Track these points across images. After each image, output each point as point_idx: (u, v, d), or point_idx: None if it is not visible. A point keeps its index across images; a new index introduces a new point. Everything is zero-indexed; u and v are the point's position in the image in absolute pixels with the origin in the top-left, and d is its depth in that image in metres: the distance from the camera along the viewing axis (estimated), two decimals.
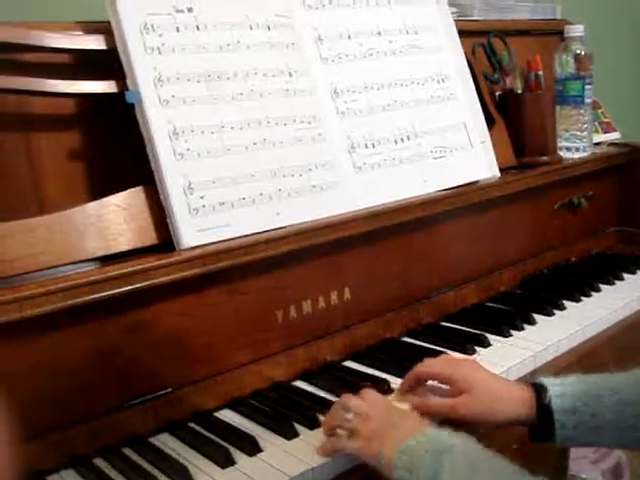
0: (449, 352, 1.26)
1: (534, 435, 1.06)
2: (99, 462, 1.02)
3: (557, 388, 1.04)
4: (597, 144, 1.93)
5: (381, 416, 0.98)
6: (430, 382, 1.14)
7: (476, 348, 1.30)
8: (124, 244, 1.09)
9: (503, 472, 0.85)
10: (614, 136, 2.04)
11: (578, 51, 1.76)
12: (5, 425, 0.67)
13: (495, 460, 0.87)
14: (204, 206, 1.12)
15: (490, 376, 1.10)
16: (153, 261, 1.05)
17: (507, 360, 1.25)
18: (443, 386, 1.11)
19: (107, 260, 1.06)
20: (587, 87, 1.77)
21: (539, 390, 1.05)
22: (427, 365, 1.13)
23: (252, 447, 1.01)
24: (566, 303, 1.50)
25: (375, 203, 1.32)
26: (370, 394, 1.04)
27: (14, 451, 0.65)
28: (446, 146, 1.47)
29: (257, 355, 1.20)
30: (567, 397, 1.03)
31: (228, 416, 1.13)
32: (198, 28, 1.18)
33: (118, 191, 1.09)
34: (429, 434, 0.92)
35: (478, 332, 1.35)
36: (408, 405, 1.10)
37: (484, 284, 1.58)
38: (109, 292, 1.00)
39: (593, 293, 1.57)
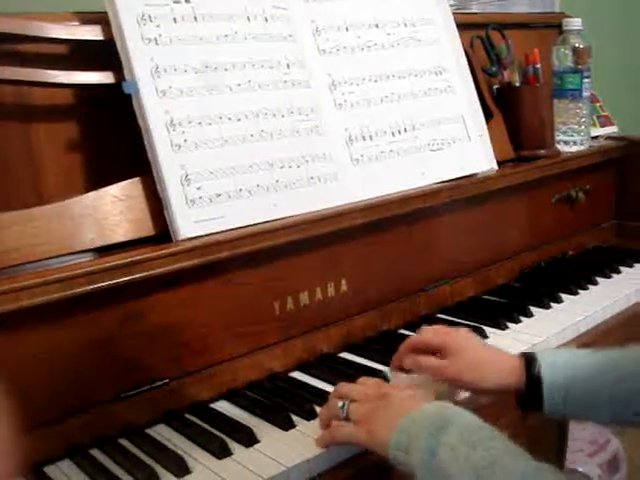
0: None
1: (522, 402, 1.06)
2: (96, 453, 1.02)
3: (548, 359, 1.04)
4: (595, 138, 1.94)
5: (375, 398, 0.97)
6: None
7: None
8: (121, 235, 1.09)
9: (503, 453, 0.84)
10: (612, 130, 2.04)
11: (576, 44, 1.76)
12: (5, 415, 0.67)
13: (494, 438, 0.86)
14: (201, 197, 1.12)
15: (481, 344, 1.11)
16: (150, 252, 1.05)
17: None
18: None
19: (104, 251, 1.07)
20: (585, 80, 1.77)
21: (529, 360, 1.05)
22: (419, 334, 1.13)
23: (249, 438, 1.01)
24: (563, 296, 1.50)
25: (372, 195, 1.32)
26: (365, 379, 1.04)
27: (14, 441, 0.66)
28: (444, 138, 1.47)
29: (254, 346, 1.20)
30: (558, 369, 1.03)
31: (225, 407, 1.14)
32: (196, 19, 1.18)
33: (115, 182, 1.10)
34: (425, 411, 0.91)
35: (475, 324, 1.35)
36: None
37: (481, 277, 1.58)
38: (106, 283, 1.00)
39: (590, 286, 1.57)
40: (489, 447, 0.84)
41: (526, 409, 1.07)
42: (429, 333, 1.14)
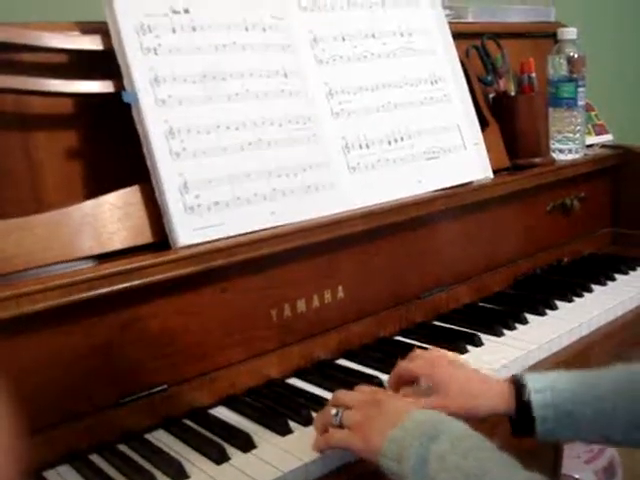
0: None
1: (515, 429, 1.07)
2: (95, 458, 1.03)
3: (537, 384, 1.05)
4: (590, 146, 1.95)
5: (369, 405, 0.98)
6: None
7: (468, 347, 1.32)
8: (120, 242, 1.10)
9: (494, 463, 0.84)
10: (607, 138, 2.05)
11: (571, 54, 1.77)
12: (6, 420, 0.67)
13: (486, 448, 0.87)
14: (199, 205, 1.13)
15: (468, 374, 1.10)
16: (149, 259, 1.06)
17: (499, 359, 1.26)
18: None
19: (103, 258, 1.08)
20: (580, 89, 1.78)
21: (519, 386, 1.05)
22: (407, 365, 1.12)
23: (246, 443, 1.02)
24: (558, 303, 1.51)
25: (369, 203, 1.33)
26: (362, 387, 1.05)
27: (16, 446, 0.66)
28: (440, 147, 1.48)
29: (251, 353, 1.21)
30: (546, 392, 1.04)
31: (223, 413, 1.14)
32: (194, 29, 1.19)
33: (114, 190, 1.11)
34: (416, 419, 0.92)
35: (470, 331, 1.37)
36: None
37: (477, 284, 1.59)
38: (105, 290, 1.01)
39: (585, 293, 1.58)
40: (480, 457, 0.84)
41: (520, 435, 1.07)
42: (416, 363, 1.12)
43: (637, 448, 1.06)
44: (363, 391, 1.03)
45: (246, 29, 1.25)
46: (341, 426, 0.97)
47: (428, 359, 1.13)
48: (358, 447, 0.94)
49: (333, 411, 0.99)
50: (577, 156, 1.81)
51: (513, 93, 1.73)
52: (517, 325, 1.41)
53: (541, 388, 1.04)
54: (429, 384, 1.09)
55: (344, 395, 1.02)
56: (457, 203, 1.47)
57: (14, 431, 0.67)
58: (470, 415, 1.05)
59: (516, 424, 1.06)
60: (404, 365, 1.12)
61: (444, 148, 1.49)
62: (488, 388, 1.08)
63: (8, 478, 0.65)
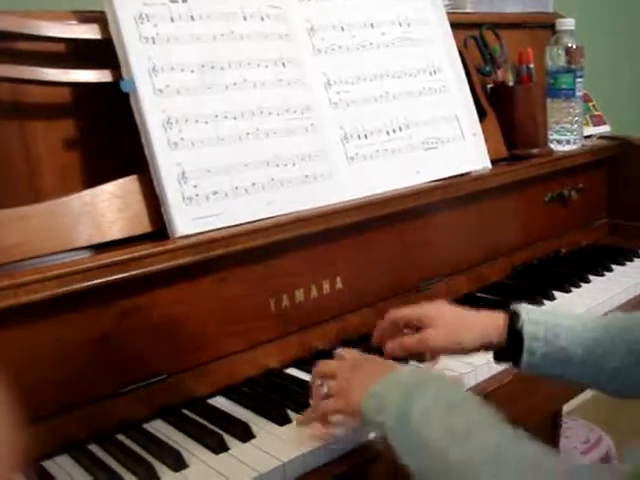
0: None
1: (499, 356, 1.08)
2: (93, 448, 1.03)
3: (533, 315, 1.05)
4: (588, 137, 1.95)
5: (349, 369, 0.99)
6: None
7: None
8: (118, 232, 1.10)
9: (481, 419, 0.83)
10: (604, 129, 2.05)
11: (569, 44, 1.77)
12: (5, 411, 0.67)
13: (470, 402, 0.86)
14: (197, 195, 1.13)
15: (460, 309, 1.12)
16: (147, 249, 1.06)
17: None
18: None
19: (101, 248, 1.07)
20: (578, 80, 1.78)
21: (513, 315, 1.06)
22: (395, 309, 1.14)
23: (245, 433, 1.02)
24: (556, 293, 1.52)
25: (367, 193, 1.33)
26: (341, 351, 1.07)
27: (17, 436, 0.66)
28: (438, 137, 1.48)
29: (250, 343, 1.21)
30: (540, 325, 1.04)
31: (221, 403, 1.15)
32: (192, 18, 1.19)
33: (113, 180, 1.10)
34: (398, 374, 0.92)
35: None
36: None
37: (475, 274, 1.59)
38: (103, 279, 1.01)
39: (582, 284, 1.58)
40: (465, 412, 0.84)
41: (501, 361, 1.09)
42: (407, 308, 1.14)
43: (616, 397, 1.06)
44: (343, 355, 1.05)
45: (244, 18, 1.25)
46: (329, 396, 0.99)
47: (417, 304, 1.15)
48: (342, 407, 0.96)
49: (318, 382, 1.01)
50: (575, 147, 1.80)
51: (511, 83, 1.73)
52: None
53: (536, 320, 1.05)
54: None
55: (325, 366, 1.04)
56: (455, 193, 1.47)
57: (14, 422, 0.66)
58: (463, 348, 1.08)
59: (502, 351, 1.07)
60: (392, 311, 1.14)
61: (442, 138, 1.49)
62: (481, 318, 1.09)
63: (9, 469, 0.65)
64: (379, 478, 1.02)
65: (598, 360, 1.02)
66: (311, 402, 1.05)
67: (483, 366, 1.20)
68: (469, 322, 1.08)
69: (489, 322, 1.08)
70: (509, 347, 1.05)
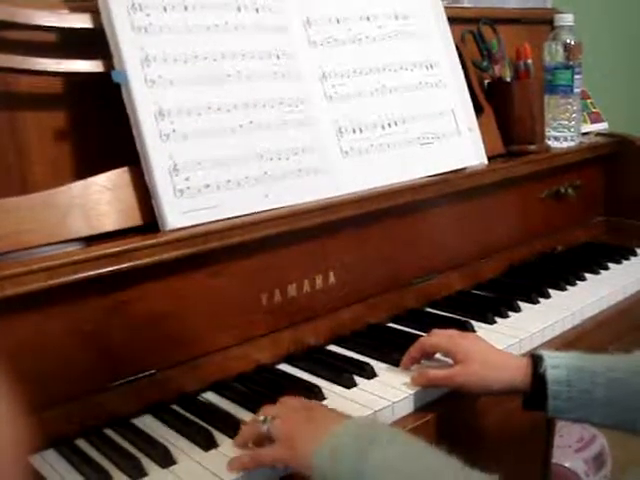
0: None
1: (527, 403, 1.08)
2: (80, 443, 1.02)
3: (554, 360, 1.06)
4: (585, 134, 1.94)
5: (298, 415, 0.93)
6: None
7: None
8: (109, 225, 1.09)
9: (440, 465, 0.82)
10: (602, 126, 2.05)
11: (568, 40, 1.76)
12: (5, 400, 0.66)
13: (429, 452, 0.84)
14: (189, 188, 1.12)
15: (489, 347, 1.13)
16: (137, 242, 1.04)
17: None
18: (443, 358, 1.16)
19: (91, 240, 1.06)
20: (576, 77, 1.77)
21: (536, 360, 1.07)
22: (430, 337, 1.16)
23: (235, 430, 1.01)
24: (551, 291, 1.51)
25: (362, 188, 1.32)
26: (287, 399, 1.00)
27: (19, 423, 0.65)
28: (434, 132, 1.47)
29: (241, 338, 1.20)
30: (562, 369, 1.05)
31: (211, 398, 1.14)
32: (186, 9, 1.17)
33: (104, 171, 1.09)
34: (351, 424, 0.88)
35: (462, 318, 1.36)
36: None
37: (470, 271, 1.58)
38: (92, 272, 1.00)
39: (578, 282, 1.58)
40: (424, 465, 0.82)
41: (531, 409, 1.08)
42: (439, 337, 1.15)
43: None
44: (290, 402, 0.99)
45: (238, 9, 1.23)
46: (269, 438, 0.92)
47: (449, 332, 1.16)
48: (287, 457, 0.90)
49: (262, 418, 0.94)
50: (572, 144, 1.80)
51: (509, 79, 1.72)
52: (510, 313, 1.41)
53: (558, 364, 1.05)
54: (446, 359, 1.14)
55: (270, 408, 0.97)
56: (451, 189, 1.46)
57: (17, 418, 0.66)
58: (487, 390, 1.08)
59: (529, 398, 1.07)
60: (425, 339, 1.15)
61: (438, 133, 1.47)
62: (507, 360, 1.10)
63: (13, 465, 0.64)
64: None
65: (623, 401, 1.02)
66: (240, 431, 0.99)
67: None
68: (497, 365, 1.09)
69: (513, 365, 1.09)
70: (534, 392, 1.06)
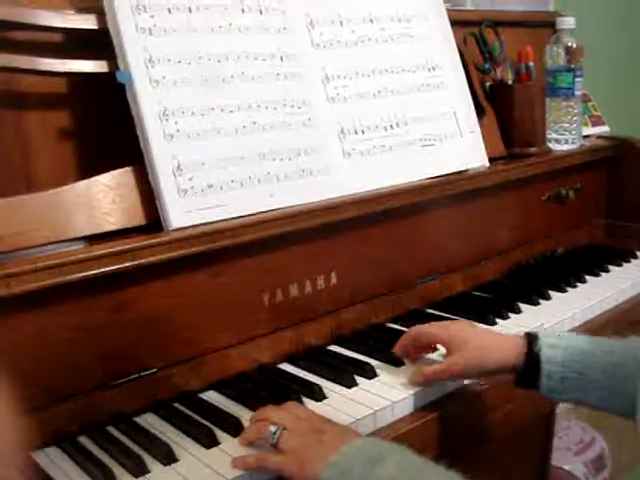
0: None
1: (520, 380, 1.09)
2: (83, 440, 1.02)
3: (550, 340, 1.06)
4: (586, 137, 1.94)
5: (310, 432, 0.93)
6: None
7: None
8: (112, 224, 1.09)
9: None
10: (603, 129, 2.05)
11: (569, 43, 1.77)
12: (5, 398, 0.67)
13: (434, 470, 0.84)
14: (193, 188, 1.13)
15: (483, 330, 1.15)
16: (141, 241, 1.05)
17: None
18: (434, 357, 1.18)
19: (95, 239, 1.07)
20: (577, 80, 1.77)
21: (532, 339, 1.07)
22: (423, 326, 1.17)
23: (236, 428, 1.02)
24: (552, 293, 1.51)
25: (363, 189, 1.33)
26: (293, 406, 1.01)
27: (18, 422, 0.66)
28: (436, 134, 1.47)
29: (243, 337, 1.20)
30: (558, 349, 1.05)
31: (213, 397, 1.14)
32: (190, 10, 1.18)
33: (107, 171, 1.10)
34: (358, 445, 0.88)
35: (463, 319, 1.36)
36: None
37: (470, 273, 1.58)
38: (96, 271, 1.00)
39: (579, 284, 1.58)
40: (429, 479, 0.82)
41: (523, 387, 1.09)
42: (432, 326, 1.16)
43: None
44: (299, 414, 0.98)
45: (242, 11, 1.24)
46: (274, 445, 0.93)
47: (442, 323, 1.18)
48: (293, 472, 0.90)
49: (272, 428, 0.93)
50: (573, 146, 1.80)
51: (510, 82, 1.72)
52: (510, 314, 1.41)
53: (553, 344, 1.06)
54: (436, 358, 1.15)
55: (279, 415, 0.97)
56: (452, 191, 1.47)
57: (15, 420, 0.66)
58: (483, 370, 1.08)
59: (522, 375, 1.08)
60: (418, 327, 1.16)
61: (440, 135, 1.48)
62: (502, 340, 1.11)
63: (11, 467, 0.64)
64: None
65: (619, 385, 1.02)
66: (246, 430, 1.00)
67: None
68: (493, 345, 1.10)
69: (508, 345, 1.09)
70: (527, 371, 1.06)
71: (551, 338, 1.07)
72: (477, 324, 1.18)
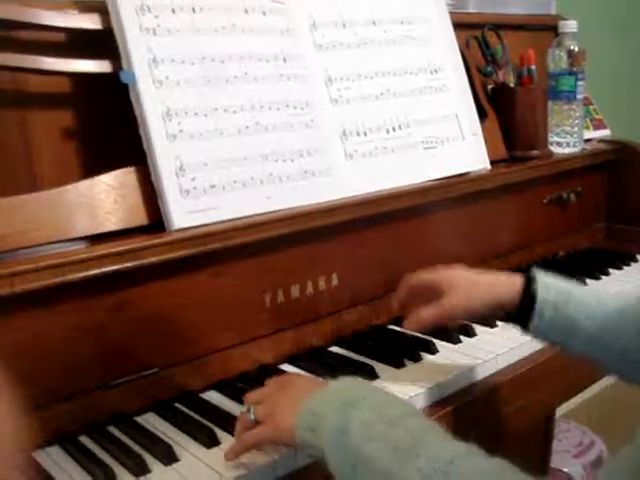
0: (435, 340, 1.28)
1: (509, 317, 1.10)
2: (85, 440, 1.03)
3: (546, 280, 1.07)
4: (587, 140, 1.95)
5: (275, 392, 0.94)
6: None
7: (462, 337, 1.31)
8: (114, 224, 1.10)
9: (425, 433, 0.78)
10: (605, 133, 2.05)
11: (571, 47, 1.77)
12: (6, 397, 0.67)
13: (414, 415, 0.81)
14: (195, 188, 1.13)
15: (475, 272, 1.13)
16: (143, 241, 1.05)
17: (493, 348, 1.26)
18: None
19: (98, 239, 1.07)
20: (579, 83, 1.78)
21: (528, 278, 1.07)
22: (414, 273, 1.16)
23: None
24: None
25: (365, 191, 1.33)
26: (269, 380, 1.01)
27: (19, 421, 0.66)
28: (437, 136, 1.47)
29: (244, 338, 1.20)
30: (551, 290, 1.05)
31: (214, 397, 1.14)
32: (194, 11, 1.18)
33: (110, 170, 1.10)
34: (333, 387, 0.87)
35: (464, 321, 1.36)
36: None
37: None
38: (98, 270, 1.01)
39: None
40: (409, 426, 0.78)
41: (511, 321, 1.10)
42: (423, 271, 1.16)
43: (620, 378, 1.07)
44: (269, 383, 0.99)
45: (246, 12, 1.24)
46: (257, 423, 0.93)
47: (433, 268, 1.16)
48: (272, 435, 0.89)
49: (244, 409, 0.95)
50: (575, 150, 1.80)
51: (512, 85, 1.72)
52: None
53: (549, 285, 1.06)
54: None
55: (253, 393, 0.99)
56: (454, 193, 1.47)
57: (17, 419, 0.66)
58: (473, 306, 1.09)
59: (513, 313, 1.08)
60: (409, 275, 1.16)
61: (442, 138, 1.48)
62: (496, 278, 1.11)
63: (12, 467, 0.64)
64: None
65: (607, 337, 1.02)
66: (235, 432, 0.98)
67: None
68: (484, 282, 1.10)
69: (504, 282, 1.09)
70: (521, 309, 1.06)
71: (549, 279, 1.07)
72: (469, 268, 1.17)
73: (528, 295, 1.06)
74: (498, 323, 1.36)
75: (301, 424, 0.84)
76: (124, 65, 1.12)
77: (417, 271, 1.18)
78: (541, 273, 1.08)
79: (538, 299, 1.05)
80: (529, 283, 1.07)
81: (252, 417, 0.93)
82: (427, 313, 1.11)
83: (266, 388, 0.99)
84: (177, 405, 1.11)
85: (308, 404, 0.85)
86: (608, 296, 1.09)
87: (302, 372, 1.21)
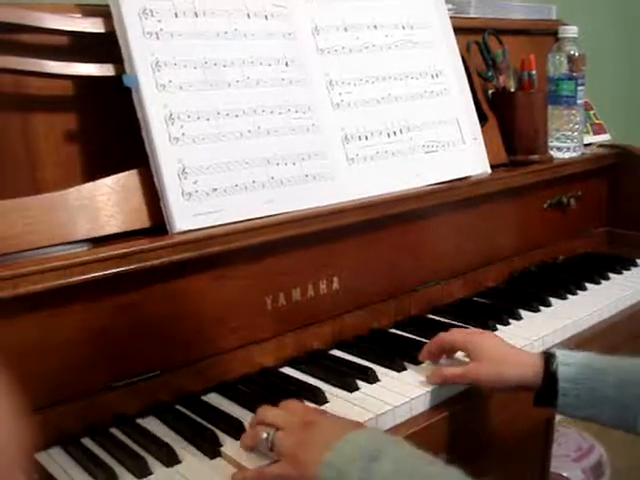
0: None
1: (538, 399, 1.10)
2: (87, 441, 1.03)
3: (565, 358, 1.08)
4: (588, 145, 1.95)
5: (301, 428, 0.92)
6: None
7: None
8: (117, 226, 1.10)
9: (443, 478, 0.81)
10: (605, 138, 2.06)
11: (572, 52, 1.77)
12: (7, 398, 0.67)
13: (432, 464, 0.83)
14: (197, 191, 1.13)
15: (503, 344, 1.16)
16: (145, 244, 1.06)
17: None
18: (458, 355, 1.20)
19: (100, 242, 1.07)
20: (579, 88, 1.78)
21: (549, 357, 1.09)
22: (448, 334, 1.19)
23: (239, 431, 1.02)
24: (552, 300, 1.52)
25: (366, 195, 1.33)
26: (287, 403, 1.00)
27: (20, 423, 0.66)
28: (438, 141, 1.48)
29: (246, 340, 1.21)
30: (572, 367, 1.07)
31: (216, 400, 1.14)
32: (196, 15, 1.19)
33: (113, 173, 1.10)
34: (354, 441, 0.87)
35: (465, 325, 1.36)
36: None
37: (472, 279, 1.59)
38: (101, 273, 1.01)
39: (579, 291, 1.58)
40: (428, 475, 0.81)
41: (541, 405, 1.10)
42: (457, 334, 1.19)
43: None
44: (293, 410, 0.98)
45: (248, 16, 1.25)
46: (271, 449, 0.93)
47: (466, 330, 1.22)
48: (293, 476, 0.89)
49: (264, 435, 0.93)
50: (575, 155, 1.81)
51: (513, 89, 1.73)
52: (511, 320, 1.42)
53: (568, 362, 1.08)
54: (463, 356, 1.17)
55: (272, 415, 0.97)
56: (454, 197, 1.47)
57: (19, 420, 0.66)
58: (500, 384, 1.11)
59: (540, 394, 1.09)
60: (444, 335, 1.18)
61: (443, 142, 1.49)
62: (520, 356, 1.13)
63: (15, 467, 0.65)
64: None
65: (630, 402, 1.04)
66: (243, 437, 0.99)
67: None
68: (511, 361, 1.12)
69: (528, 361, 1.11)
70: (545, 389, 1.08)
71: (566, 356, 1.09)
72: (497, 335, 1.21)
73: (549, 375, 1.08)
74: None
75: (325, 478, 0.85)
76: (127, 69, 1.13)
77: (451, 330, 1.21)
78: (560, 350, 1.11)
79: (559, 377, 1.07)
80: (549, 362, 1.09)
81: (269, 442, 0.92)
82: (451, 373, 1.14)
83: (288, 414, 0.96)
84: (178, 407, 1.11)
85: (332, 459, 0.85)
86: (627, 360, 1.10)
87: (303, 375, 1.22)
